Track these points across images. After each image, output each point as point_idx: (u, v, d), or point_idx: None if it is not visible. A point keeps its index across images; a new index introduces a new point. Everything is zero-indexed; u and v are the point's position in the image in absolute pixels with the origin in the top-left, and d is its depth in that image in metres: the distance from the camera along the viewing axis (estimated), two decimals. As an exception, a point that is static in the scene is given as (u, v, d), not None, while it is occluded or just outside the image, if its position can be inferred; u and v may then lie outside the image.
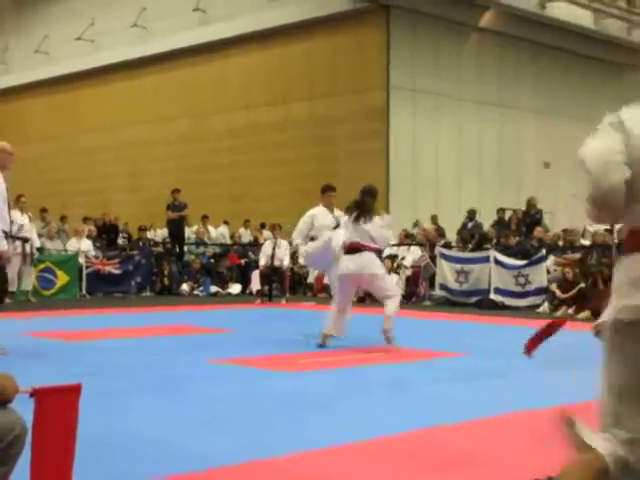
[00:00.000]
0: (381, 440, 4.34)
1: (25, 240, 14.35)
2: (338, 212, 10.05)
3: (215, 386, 6.12)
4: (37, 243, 15.01)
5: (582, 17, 23.62)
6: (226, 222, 21.29)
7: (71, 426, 2.68)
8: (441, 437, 4.48)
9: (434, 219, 18.91)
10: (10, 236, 14.21)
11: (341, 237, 8.86)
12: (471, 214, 18.42)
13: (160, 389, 5.91)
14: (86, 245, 17.37)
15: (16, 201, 14.92)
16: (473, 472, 3.77)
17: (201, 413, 5.06)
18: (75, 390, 2.68)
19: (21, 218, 14.88)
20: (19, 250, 14.54)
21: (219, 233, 20.73)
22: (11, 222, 8.04)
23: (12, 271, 15.19)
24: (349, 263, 8.42)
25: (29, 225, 14.57)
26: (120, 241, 20.22)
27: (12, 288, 15.11)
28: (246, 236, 20.67)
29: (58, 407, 2.62)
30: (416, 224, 18.73)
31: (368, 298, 15.38)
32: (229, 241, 20.28)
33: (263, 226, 19.66)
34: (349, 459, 3.98)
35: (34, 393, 2.56)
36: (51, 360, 7.35)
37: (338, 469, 3.81)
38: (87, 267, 16.60)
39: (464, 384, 6.32)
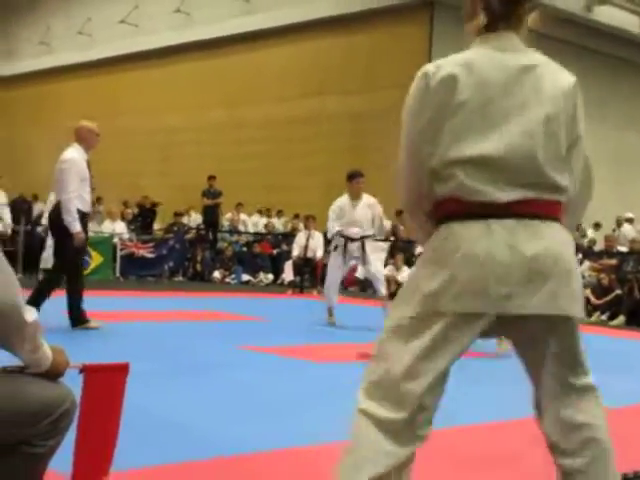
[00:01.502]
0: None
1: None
2: (369, 198, 9.94)
3: (244, 373, 6.15)
4: None
5: (628, 22, 23.35)
6: (260, 211, 21.34)
7: (117, 404, 2.71)
8: (474, 436, 4.46)
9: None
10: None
11: None
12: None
13: (189, 374, 5.94)
14: (120, 227, 17.50)
15: None
16: (508, 471, 3.75)
17: (228, 400, 5.09)
18: (123, 369, 2.71)
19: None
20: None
21: (253, 222, 20.80)
22: (94, 203, 8.28)
23: (50, 249, 15.36)
24: None
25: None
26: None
27: (48, 265, 15.25)
28: (279, 226, 20.71)
29: (106, 385, 2.65)
30: None
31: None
32: (263, 230, 20.34)
33: (297, 217, 19.68)
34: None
35: (84, 369, 2.59)
36: (85, 339, 7.43)
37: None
38: (121, 249, 16.73)
39: (493, 383, 6.29)
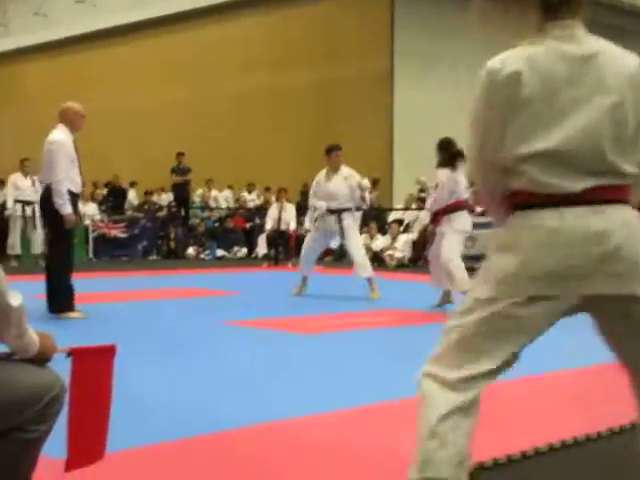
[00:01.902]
0: (400, 403, 4.32)
1: (27, 203, 14.42)
2: (348, 171, 9.92)
3: (229, 348, 6.15)
4: None
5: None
6: (230, 187, 21.24)
7: (106, 386, 2.67)
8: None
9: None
10: (16, 200, 14.14)
11: None
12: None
13: (176, 352, 5.90)
14: (92, 209, 17.37)
15: (20, 165, 14.95)
16: (502, 431, 3.77)
17: (216, 377, 5.08)
18: (110, 350, 2.67)
19: (24, 181, 14.91)
20: (19, 213, 14.60)
21: (223, 197, 20.72)
22: (84, 184, 8.26)
23: (14, 235, 15.25)
24: None
25: (32, 188, 14.57)
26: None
27: (15, 251, 15.15)
28: (250, 200, 20.63)
29: (94, 367, 2.61)
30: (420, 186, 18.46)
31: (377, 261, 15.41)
32: (233, 205, 20.26)
33: (268, 190, 19.62)
34: (362, 422, 3.98)
35: (71, 353, 2.55)
36: (65, 323, 7.35)
37: (351, 432, 3.80)
38: (93, 231, 16.61)
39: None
